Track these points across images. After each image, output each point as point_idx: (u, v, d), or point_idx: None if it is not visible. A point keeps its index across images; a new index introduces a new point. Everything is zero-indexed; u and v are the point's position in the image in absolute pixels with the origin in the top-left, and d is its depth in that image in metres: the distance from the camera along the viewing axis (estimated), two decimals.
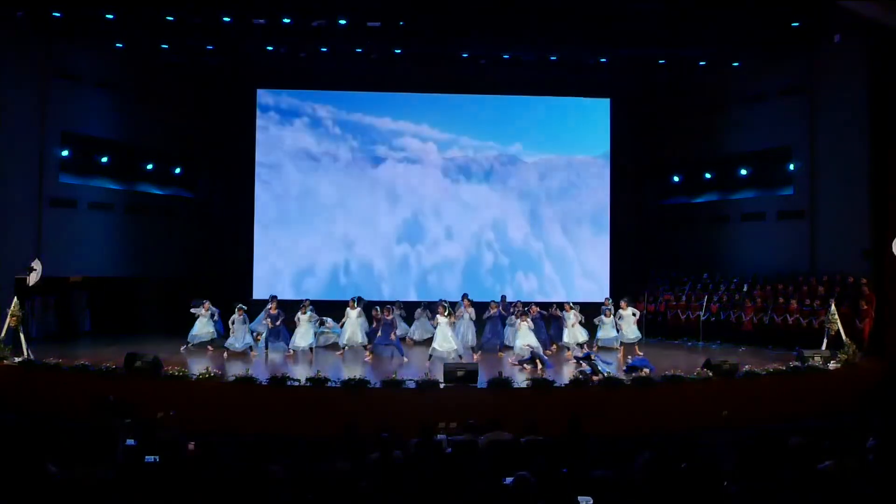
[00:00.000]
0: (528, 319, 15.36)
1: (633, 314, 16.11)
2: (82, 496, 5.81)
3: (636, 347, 15.93)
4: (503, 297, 17.38)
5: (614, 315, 16.20)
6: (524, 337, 15.15)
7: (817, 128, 17.43)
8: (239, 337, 15.33)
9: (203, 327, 15.69)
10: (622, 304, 16.26)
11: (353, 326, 15.58)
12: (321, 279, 20.12)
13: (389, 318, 15.34)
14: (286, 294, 18.45)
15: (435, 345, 14.84)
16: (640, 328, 16.33)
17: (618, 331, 16.06)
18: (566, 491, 5.72)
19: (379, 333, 15.35)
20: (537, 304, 16.80)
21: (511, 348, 15.77)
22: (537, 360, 14.21)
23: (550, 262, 20.66)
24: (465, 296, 16.74)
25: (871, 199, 16.11)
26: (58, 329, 18.05)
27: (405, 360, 15.00)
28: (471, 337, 16.17)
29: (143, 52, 18.39)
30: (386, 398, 11.64)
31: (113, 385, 11.78)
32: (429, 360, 14.53)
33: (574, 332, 15.88)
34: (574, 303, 16.52)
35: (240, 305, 15.64)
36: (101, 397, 10.66)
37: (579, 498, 5.71)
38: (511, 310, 16.46)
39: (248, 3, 15.67)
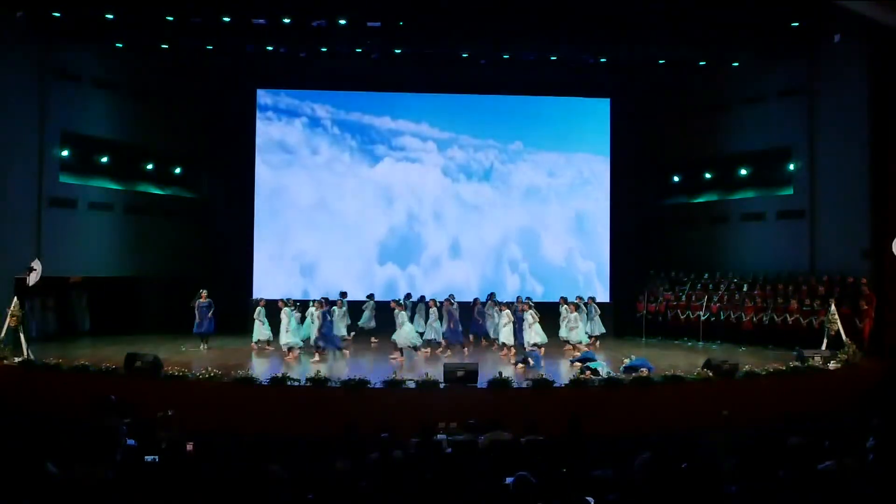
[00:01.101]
0: (509, 312, 15.46)
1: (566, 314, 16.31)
2: (82, 496, 5.81)
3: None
4: (491, 294, 17.53)
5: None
6: (506, 331, 15.33)
7: (817, 128, 17.44)
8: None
9: (262, 328, 15.97)
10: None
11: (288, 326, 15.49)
12: (319, 280, 20.06)
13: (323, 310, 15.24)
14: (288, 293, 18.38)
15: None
16: (641, 328, 16.44)
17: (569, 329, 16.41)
18: (566, 491, 5.72)
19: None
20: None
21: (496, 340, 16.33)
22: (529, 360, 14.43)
23: (549, 260, 20.64)
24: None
25: (871, 199, 16.12)
26: (57, 329, 18.04)
27: (316, 356, 15.02)
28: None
29: (143, 52, 18.39)
30: (386, 398, 11.64)
31: (113, 385, 11.78)
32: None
33: (531, 333, 15.43)
34: (532, 302, 16.38)
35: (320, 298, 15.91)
36: (102, 397, 10.65)
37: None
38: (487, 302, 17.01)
39: (248, 3, 15.68)
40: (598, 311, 17.43)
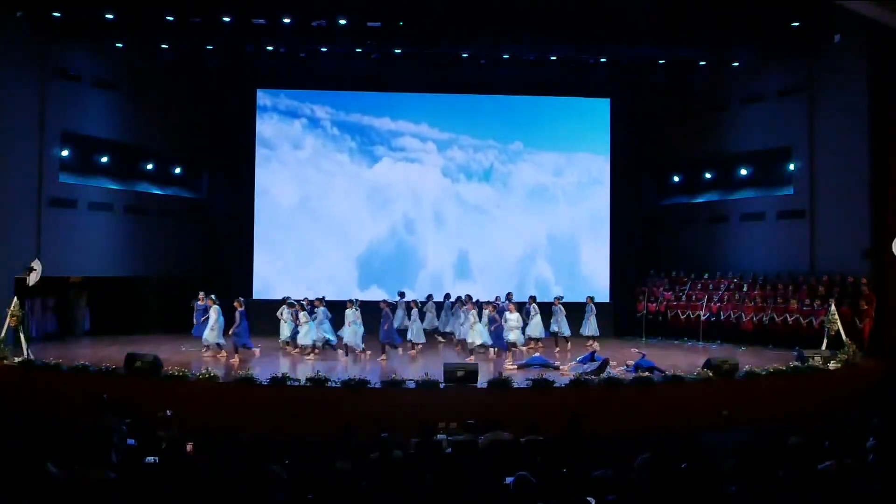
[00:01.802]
0: (475, 311, 15.27)
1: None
2: (82, 496, 5.81)
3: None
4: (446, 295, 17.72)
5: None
6: (476, 330, 15.15)
7: (817, 128, 17.43)
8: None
9: (286, 327, 15.77)
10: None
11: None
12: (318, 280, 20.04)
13: (240, 309, 14.96)
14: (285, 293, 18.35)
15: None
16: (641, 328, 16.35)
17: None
18: (566, 491, 5.72)
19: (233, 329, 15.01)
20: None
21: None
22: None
23: (547, 260, 20.62)
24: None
25: (871, 199, 16.11)
26: (57, 329, 18.04)
27: (222, 354, 14.96)
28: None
29: (143, 52, 18.40)
30: (386, 398, 11.64)
31: (113, 385, 11.78)
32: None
33: (473, 332, 15.11)
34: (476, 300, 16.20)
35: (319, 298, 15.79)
36: (95, 396, 10.65)
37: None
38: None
39: (248, 3, 15.69)
40: (595, 311, 17.38)
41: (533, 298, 16.57)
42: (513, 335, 14.88)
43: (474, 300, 16.39)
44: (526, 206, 20.71)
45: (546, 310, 16.68)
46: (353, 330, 15.22)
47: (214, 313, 15.04)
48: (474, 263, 20.46)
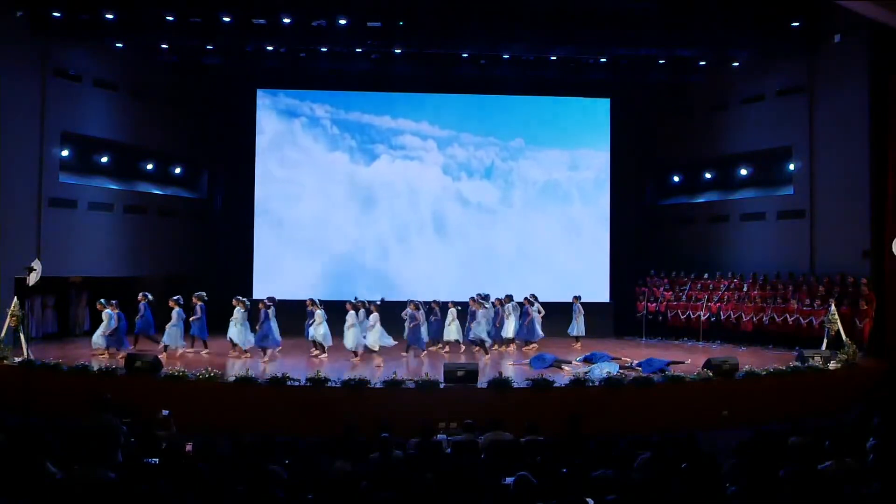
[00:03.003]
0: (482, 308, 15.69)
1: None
2: (82, 496, 5.80)
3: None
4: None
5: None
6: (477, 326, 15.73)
7: (817, 128, 17.44)
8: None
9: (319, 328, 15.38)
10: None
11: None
12: (318, 280, 20.06)
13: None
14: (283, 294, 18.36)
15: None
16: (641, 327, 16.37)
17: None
18: (566, 491, 5.72)
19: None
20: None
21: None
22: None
23: (548, 260, 20.60)
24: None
25: (871, 199, 16.11)
26: (58, 329, 18.04)
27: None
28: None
29: (143, 52, 18.40)
30: (386, 398, 11.64)
31: (113, 385, 11.77)
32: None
33: (372, 335, 14.99)
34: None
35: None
36: (96, 396, 10.63)
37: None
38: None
39: (248, 3, 15.71)
40: (582, 311, 17.39)
41: (509, 297, 16.60)
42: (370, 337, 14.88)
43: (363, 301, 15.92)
44: (527, 203, 20.68)
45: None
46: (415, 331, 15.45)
47: (106, 318, 14.94)
48: (474, 262, 20.43)
